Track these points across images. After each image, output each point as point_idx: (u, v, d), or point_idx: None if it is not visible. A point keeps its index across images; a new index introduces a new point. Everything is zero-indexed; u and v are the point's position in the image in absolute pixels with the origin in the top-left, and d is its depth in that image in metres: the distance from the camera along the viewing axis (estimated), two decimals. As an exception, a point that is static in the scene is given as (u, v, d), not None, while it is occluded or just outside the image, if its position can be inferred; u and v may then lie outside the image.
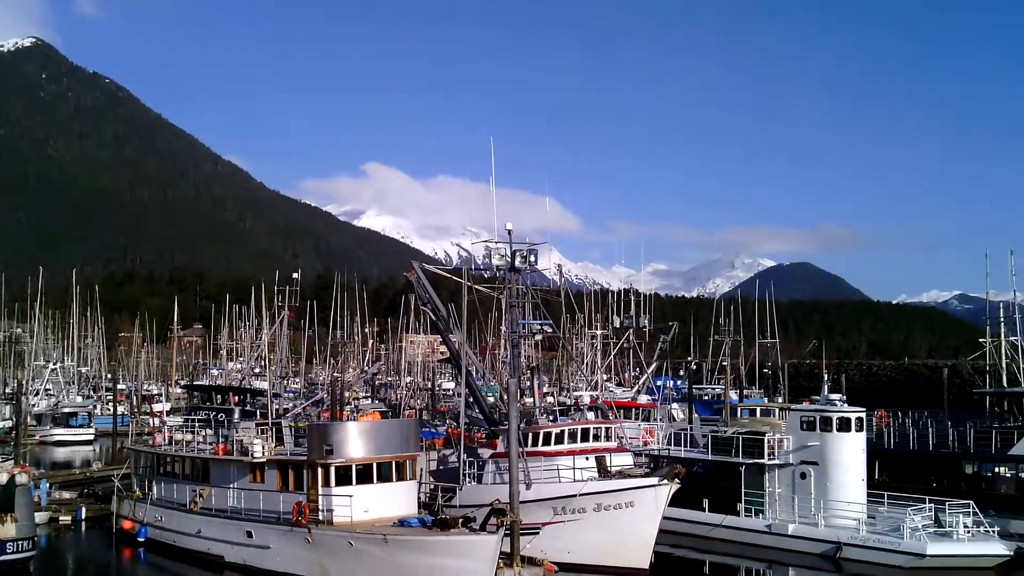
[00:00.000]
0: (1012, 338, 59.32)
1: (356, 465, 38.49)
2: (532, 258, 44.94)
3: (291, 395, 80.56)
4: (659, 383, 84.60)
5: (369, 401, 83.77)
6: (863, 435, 47.60)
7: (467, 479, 44.97)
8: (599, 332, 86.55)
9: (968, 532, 42.78)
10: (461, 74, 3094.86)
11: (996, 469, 49.31)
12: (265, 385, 67.23)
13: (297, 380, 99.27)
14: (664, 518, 41.00)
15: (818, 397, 50.94)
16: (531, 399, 50.48)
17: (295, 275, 67.25)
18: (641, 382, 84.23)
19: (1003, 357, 58.68)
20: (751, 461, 48.53)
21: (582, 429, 45.83)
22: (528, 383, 51.06)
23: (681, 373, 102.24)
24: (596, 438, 45.80)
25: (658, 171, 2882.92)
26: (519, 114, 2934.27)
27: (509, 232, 44.74)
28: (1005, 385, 57.83)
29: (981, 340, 62.28)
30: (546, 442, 45.07)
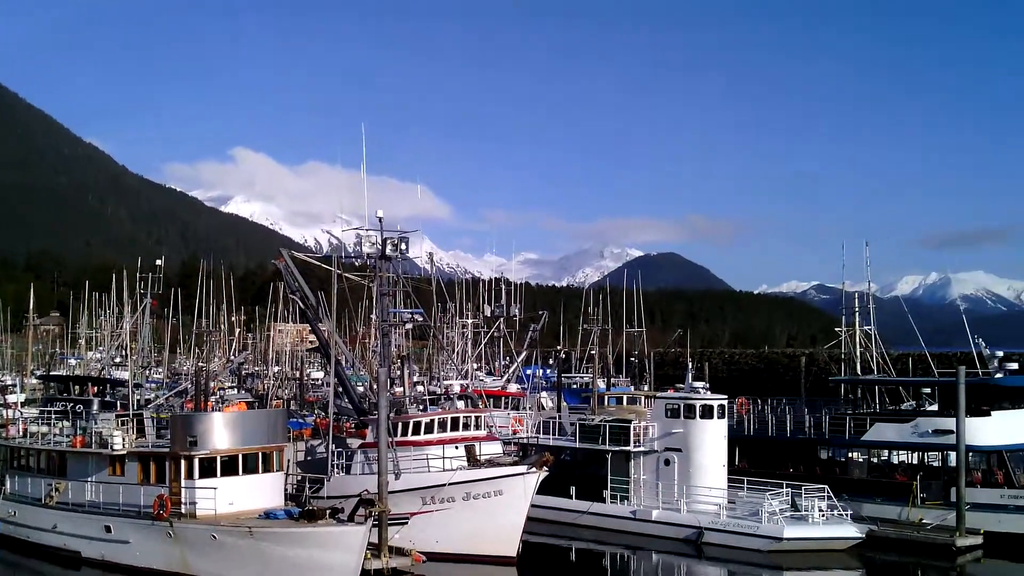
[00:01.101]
0: (866, 327, 61.49)
1: (221, 457, 37.74)
2: (403, 246, 44.69)
3: (153, 385, 78.47)
4: (528, 372, 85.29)
5: (235, 391, 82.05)
6: (724, 422, 48.92)
7: (335, 470, 44.60)
8: (470, 321, 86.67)
9: (823, 515, 44.43)
10: (331, 58, 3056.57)
11: (849, 454, 51.32)
12: (126, 375, 65.21)
13: (160, 370, 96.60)
14: (532, 506, 41.43)
15: (682, 385, 52.16)
16: (401, 388, 50.29)
17: (158, 262, 65.33)
18: (511, 371, 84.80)
19: (857, 346, 60.82)
20: (617, 448, 49.37)
21: (452, 418, 45.89)
22: (398, 372, 50.83)
23: (550, 362, 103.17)
24: (466, 427, 45.91)
25: (530, 160, 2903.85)
26: (390, 99, 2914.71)
27: (380, 220, 44.39)
28: (859, 373, 60.02)
29: (837, 329, 64.30)
30: (416, 432, 44.98)
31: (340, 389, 50.93)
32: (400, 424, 44.91)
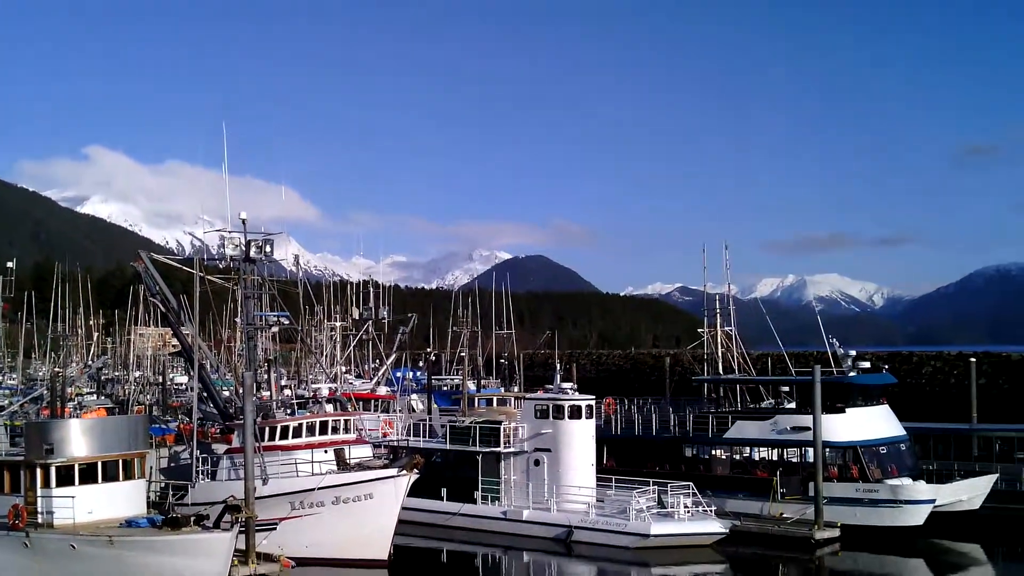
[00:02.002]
0: (727, 328, 63.15)
1: (79, 464, 36.44)
2: (268, 248, 43.88)
3: (6, 392, 75.32)
4: (398, 374, 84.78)
5: (94, 397, 79.28)
6: (592, 422, 49.62)
7: (200, 476, 43.52)
8: (338, 324, 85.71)
9: (688, 512, 45.46)
10: (191, 57, 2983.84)
11: (713, 452, 52.65)
12: (-24, 382, 62.43)
13: (13, 376, 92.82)
14: (403, 509, 41.23)
15: (551, 386, 52.65)
16: (268, 392, 49.44)
17: (9, 264, 62.79)
18: (380, 373, 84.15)
19: (719, 346, 62.42)
20: (488, 450, 49.55)
21: (320, 422, 45.28)
22: (265, 376, 49.96)
23: (420, 364, 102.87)
24: (335, 431, 45.37)
25: (397, 163, 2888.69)
26: (254, 99, 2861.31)
27: (243, 221, 43.50)
28: (721, 373, 61.61)
29: (700, 330, 65.82)
30: (283, 436, 44.23)
31: (204, 394, 49.77)
32: (267, 428, 44.12)
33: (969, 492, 48.55)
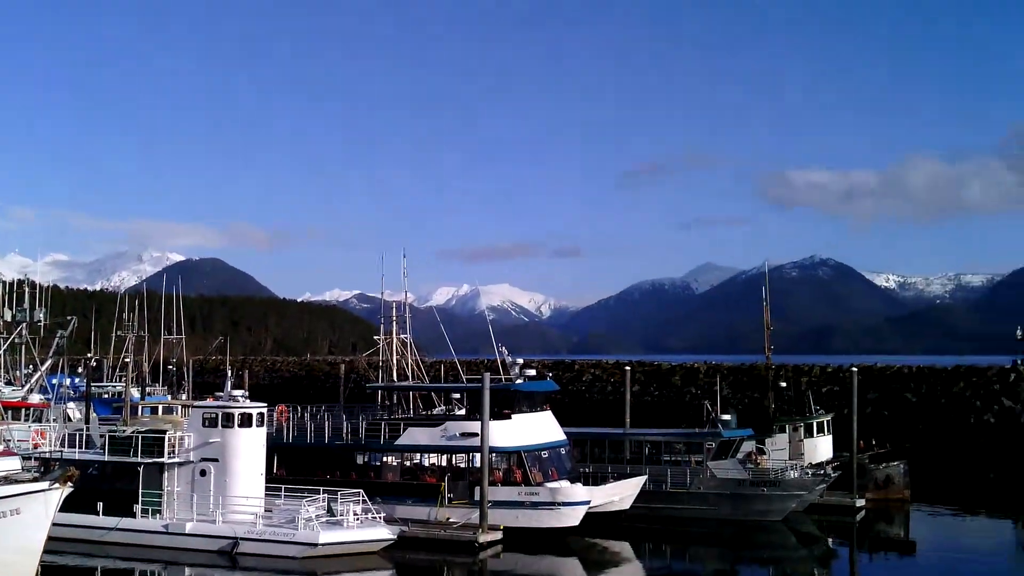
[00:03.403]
0: (403, 336, 63.96)
1: None
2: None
3: None
4: (54, 381, 79.54)
5: None
6: (263, 430, 48.67)
7: None
8: (-14, 326, 79.10)
9: (358, 519, 45.59)
10: None
11: (384, 458, 53.14)
12: None
13: None
14: (56, 524, 38.63)
15: (222, 394, 51.17)
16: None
17: None
18: (34, 380, 78.40)
19: (394, 353, 63.10)
20: (150, 460, 47.42)
21: (-39, 433, 41.65)
22: None
23: (80, 370, 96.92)
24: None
25: (58, 152, 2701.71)
26: None
27: None
28: (395, 380, 62.32)
29: (376, 337, 66.25)
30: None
31: None
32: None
33: (621, 493, 51.88)
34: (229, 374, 54.27)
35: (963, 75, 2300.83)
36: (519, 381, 53.21)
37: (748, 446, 59.39)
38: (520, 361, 55.64)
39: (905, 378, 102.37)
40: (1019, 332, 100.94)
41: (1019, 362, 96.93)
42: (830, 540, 54.02)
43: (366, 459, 54.02)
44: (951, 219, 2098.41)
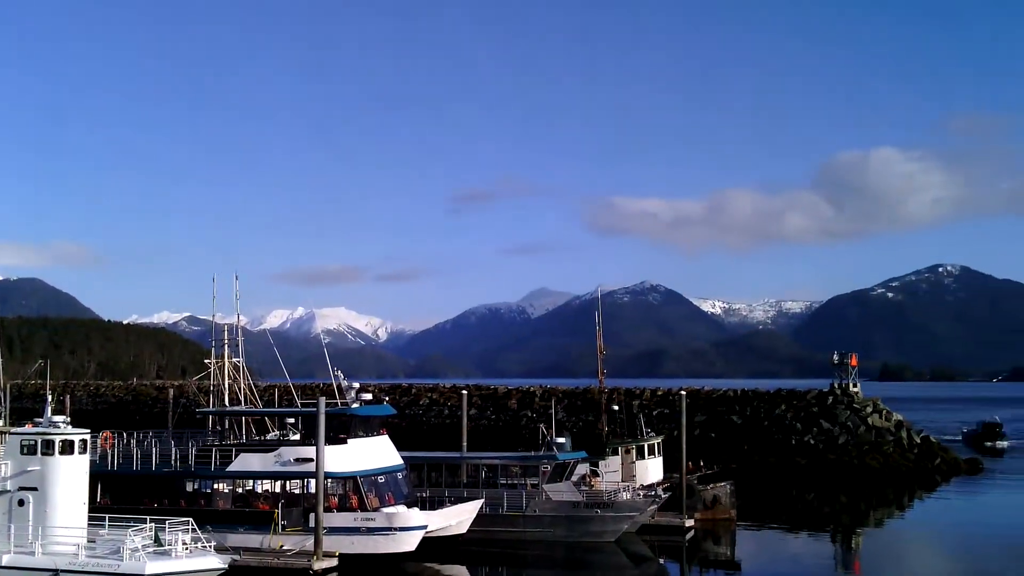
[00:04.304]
0: (235, 359, 62.53)
1: None
2: None
3: None
4: None
5: None
6: (87, 457, 46.61)
7: None
8: None
9: (187, 549, 44.11)
10: None
11: (215, 485, 51.71)
12: None
13: None
14: None
15: (41, 420, 48.84)
16: None
17: None
18: None
19: (226, 377, 61.63)
20: (-38, 491, 44.82)
21: None
22: None
23: None
24: None
25: None
26: None
27: None
28: (227, 404, 60.83)
29: (207, 361, 64.56)
30: None
31: None
32: None
33: (457, 517, 51.92)
34: (49, 399, 51.85)
35: (779, 110, 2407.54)
36: (355, 405, 52.64)
37: (582, 468, 60.36)
38: (356, 385, 55.09)
39: (731, 401, 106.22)
40: (835, 357, 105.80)
41: (836, 385, 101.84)
42: (661, 560, 55.30)
43: (196, 486, 52.48)
44: (772, 248, 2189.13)
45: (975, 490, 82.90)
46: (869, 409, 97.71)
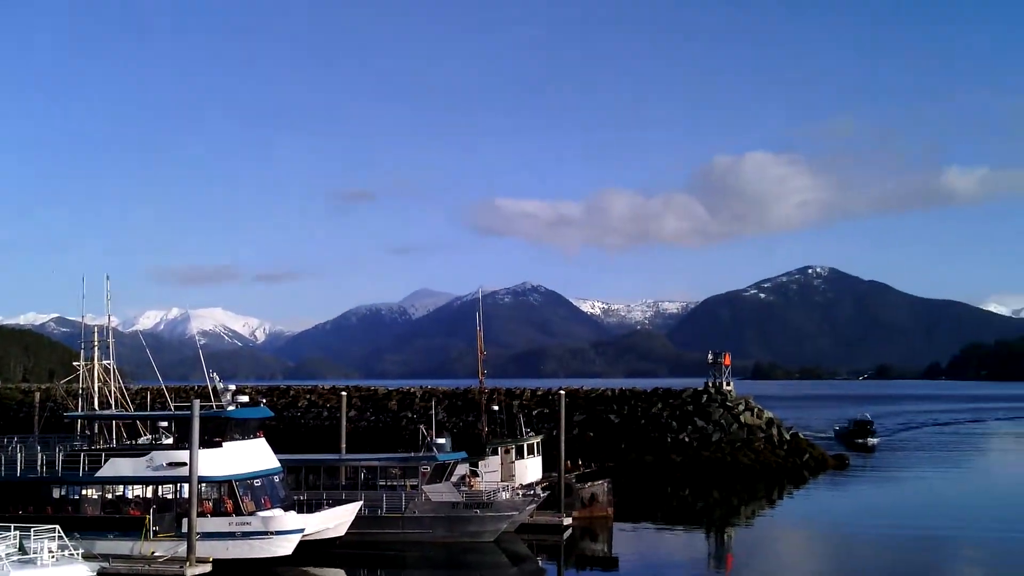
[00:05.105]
0: (105, 362, 60.79)
1: None
2: None
3: None
4: None
5: None
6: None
7: None
8: None
9: (53, 557, 42.71)
10: None
11: (84, 491, 50.18)
12: None
13: None
14: None
15: None
16: None
17: None
18: None
19: (96, 380, 59.85)
20: None
21: None
22: None
23: None
24: None
25: None
26: None
27: None
28: (96, 408, 59.08)
29: (76, 363, 62.63)
30: None
31: None
32: None
33: (336, 520, 51.45)
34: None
35: (655, 113, 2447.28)
36: (231, 408, 51.76)
37: (462, 469, 60.50)
38: (232, 387, 54.17)
39: (608, 400, 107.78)
40: (709, 356, 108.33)
41: (710, 384, 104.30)
42: (539, 559, 55.78)
43: (63, 492, 50.85)
44: (650, 249, 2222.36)
45: (841, 485, 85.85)
46: (741, 407, 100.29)
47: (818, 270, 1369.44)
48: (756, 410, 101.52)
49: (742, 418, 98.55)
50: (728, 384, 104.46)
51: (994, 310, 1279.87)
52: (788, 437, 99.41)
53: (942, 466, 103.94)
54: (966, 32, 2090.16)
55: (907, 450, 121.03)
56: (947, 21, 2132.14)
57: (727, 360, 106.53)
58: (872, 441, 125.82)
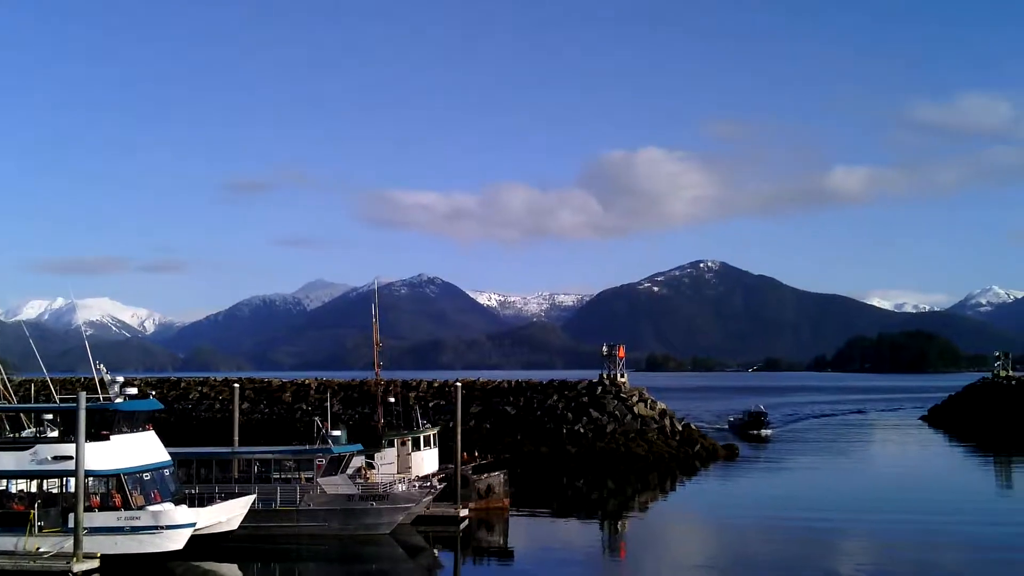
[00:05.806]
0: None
1: None
2: None
3: None
4: None
5: None
6: None
7: None
8: None
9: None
10: None
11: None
12: None
13: None
14: None
15: None
16: None
17: None
18: None
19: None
20: None
21: None
22: None
23: None
24: None
25: None
26: None
27: None
28: (-25, 401, 57.20)
29: (-46, 355, 60.63)
30: None
31: None
32: None
33: (228, 514, 50.67)
34: None
35: (551, 107, 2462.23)
36: (119, 400, 50.55)
37: (358, 461, 60.11)
38: (120, 379, 52.84)
39: (504, 392, 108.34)
40: (604, 348, 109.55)
41: (604, 376, 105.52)
42: (436, 551, 55.79)
43: (-59, 489, 49.04)
44: (545, 243, 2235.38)
45: (731, 475, 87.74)
46: (635, 399, 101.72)
47: (709, 264, 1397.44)
48: (649, 401, 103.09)
49: (636, 409, 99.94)
50: (622, 376, 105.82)
51: (877, 304, 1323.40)
52: (680, 428, 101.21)
53: (827, 455, 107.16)
54: (853, 32, 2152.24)
55: (796, 441, 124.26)
56: (831, 22, 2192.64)
57: (621, 352, 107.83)
58: (766, 432, 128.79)
